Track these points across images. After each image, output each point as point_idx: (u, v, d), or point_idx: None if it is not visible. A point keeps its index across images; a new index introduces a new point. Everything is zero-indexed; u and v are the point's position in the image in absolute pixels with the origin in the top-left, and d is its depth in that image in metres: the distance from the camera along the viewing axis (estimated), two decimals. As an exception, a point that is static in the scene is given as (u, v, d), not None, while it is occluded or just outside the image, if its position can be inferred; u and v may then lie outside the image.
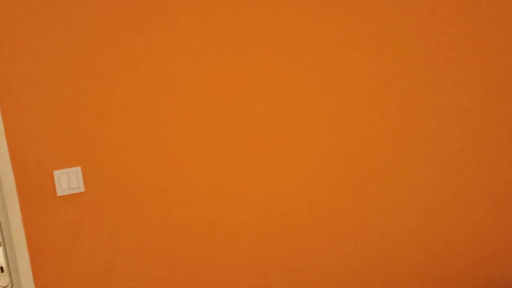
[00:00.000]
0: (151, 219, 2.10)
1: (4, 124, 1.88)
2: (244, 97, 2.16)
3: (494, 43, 2.47)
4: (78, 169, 1.97)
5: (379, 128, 2.35)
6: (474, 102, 2.48)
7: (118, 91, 2.00)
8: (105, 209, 2.03)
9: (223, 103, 2.13)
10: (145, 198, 2.08)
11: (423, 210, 2.48)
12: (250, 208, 2.22)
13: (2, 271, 2.01)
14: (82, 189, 1.98)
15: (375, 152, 2.36)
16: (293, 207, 2.28)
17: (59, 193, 1.96)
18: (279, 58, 2.18)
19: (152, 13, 2.01)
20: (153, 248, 2.12)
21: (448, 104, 2.43)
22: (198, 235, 2.17)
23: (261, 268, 2.28)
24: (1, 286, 2.11)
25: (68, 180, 1.96)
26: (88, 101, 1.97)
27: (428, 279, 2.55)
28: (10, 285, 2.02)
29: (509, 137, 2.56)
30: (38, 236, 1.97)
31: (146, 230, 2.10)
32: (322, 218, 2.33)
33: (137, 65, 2.01)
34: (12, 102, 1.89)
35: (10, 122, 1.89)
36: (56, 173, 1.95)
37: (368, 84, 2.30)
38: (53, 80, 1.92)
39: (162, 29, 2.03)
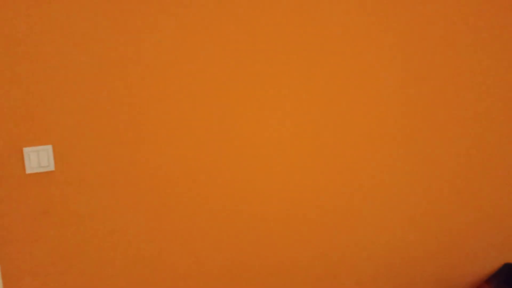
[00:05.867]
0: (122, 201, 2.06)
1: (-27, 97, 1.81)
2: (244, 97, 2.10)
3: (494, 43, 2.43)
4: (49, 147, 1.92)
5: (380, 128, 2.32)
6: (478, 103, 2.45)
7: (95, 67, 1.93)
8: (75, 189, 1.98)
9: (226, 92, 2.08)
10: (116, 181, 2.03)
11: (423, 210, 2.48)
12: (245, 205, 2.20)
13: (-33, 244, 1.97)
14: (52, 168, 1.93)
15: (376, 152, 2.33)
16: (293, 205, 2.26)
17: (28, 170, 1.91)
18: (281, 55, 2.12)
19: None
20: (123, 230, 2.08)
21: (451, 104, 2.41)
22: (172, 217, 2.14)
23: (260, 266, 2.27)
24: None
25: (38, 158, 1.90)
26: (62, 78, 1.90)
27: (427, 278, 2.56)
28: (-26, 259, 1.99)
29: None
30: (5, 212, 1.93)
31: (116, 212, 2.06)
32: (320, 217, 2.31)
33: (118, 41, 1.94)
34: (-17, 74, 1.81)
35: (-21, 95, 1.82)
36: (26, 150, 1.89)
37: (371, 83, 2.26)
38: (27, 52, 1.84)
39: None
